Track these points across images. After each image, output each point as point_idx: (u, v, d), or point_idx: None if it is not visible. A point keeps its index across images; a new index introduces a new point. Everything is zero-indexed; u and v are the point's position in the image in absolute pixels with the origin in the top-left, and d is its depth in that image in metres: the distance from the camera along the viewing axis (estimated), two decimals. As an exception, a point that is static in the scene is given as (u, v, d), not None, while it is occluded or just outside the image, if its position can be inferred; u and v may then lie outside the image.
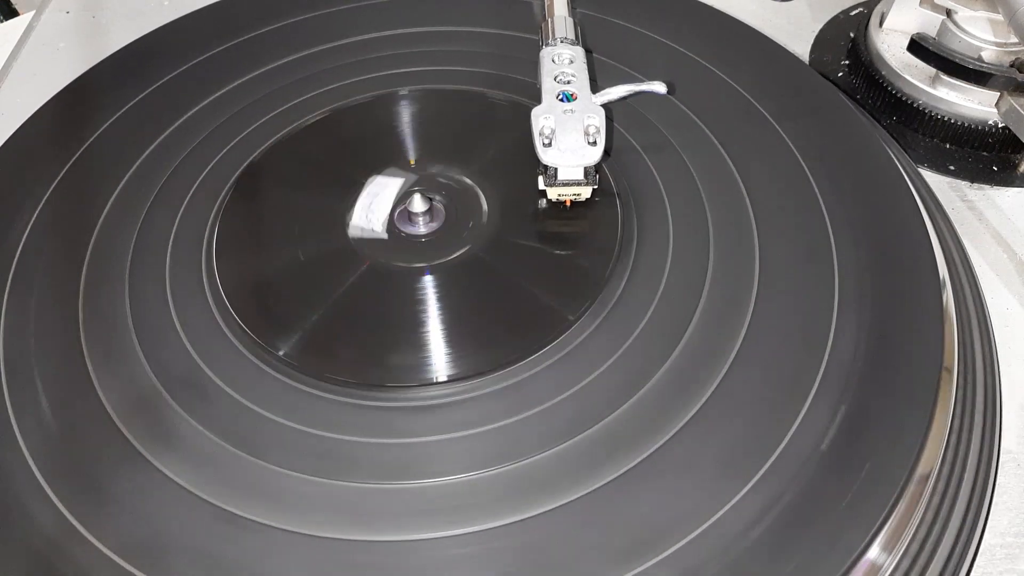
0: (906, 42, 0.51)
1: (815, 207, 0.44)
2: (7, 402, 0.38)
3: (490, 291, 0.42)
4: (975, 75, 0.48)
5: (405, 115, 0.51)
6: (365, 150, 0.49)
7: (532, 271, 0.43)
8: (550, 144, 0.42)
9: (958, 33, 0.50)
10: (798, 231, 0.43)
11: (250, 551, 0.34)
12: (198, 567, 0.33)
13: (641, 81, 0.46)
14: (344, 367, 0.39)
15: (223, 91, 0.52)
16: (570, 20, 0.49)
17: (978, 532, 0.37)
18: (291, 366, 0.39)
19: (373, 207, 0.44)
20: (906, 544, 0.34)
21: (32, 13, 0.65)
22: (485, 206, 0.45)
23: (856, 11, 0.61)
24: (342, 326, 0.41)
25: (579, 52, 0.47)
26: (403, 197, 0.46)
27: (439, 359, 0.39)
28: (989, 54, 0.49)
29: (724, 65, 0.52)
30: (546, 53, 0.47)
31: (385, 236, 0.44)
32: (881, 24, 0.55)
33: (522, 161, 0.45)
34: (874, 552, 0.33)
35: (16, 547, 0.34)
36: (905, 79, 0.52)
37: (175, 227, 0.45)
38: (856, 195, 0.45)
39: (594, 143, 0.42)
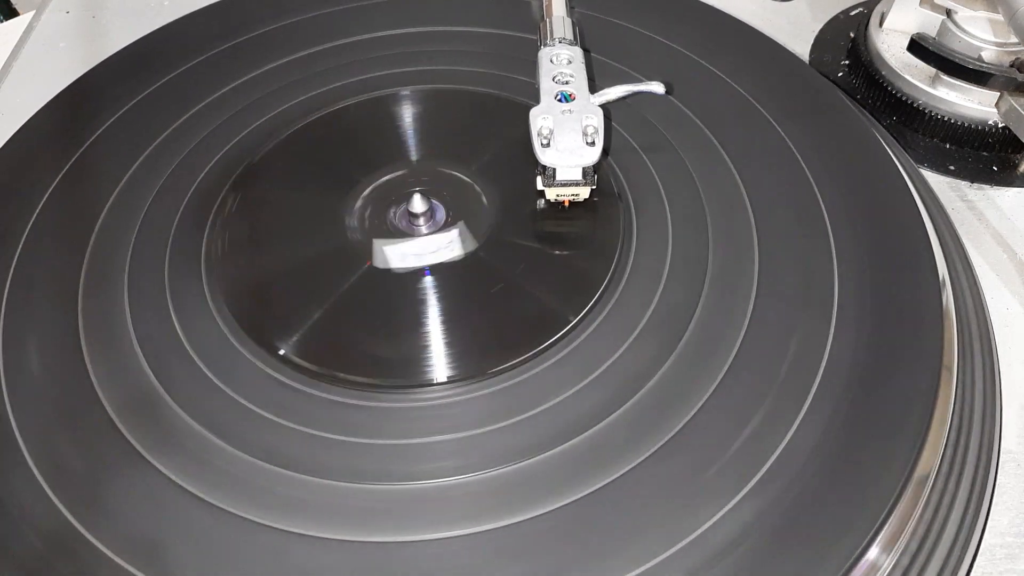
0: (906, 42, 0.51)
1: (815, 207, 0.44)
2: (7, 401, 0.38)
3: (490, 291, 0.42)
4: (975, 75, 0.48)
5: (405, 115, 0.51)
6: (365, 150, 0.49)
7: (532, 271, 0.43)
8: (548, 144, 0.42)
9: (958, 33, 0.50)
10: (798, 231, 0.43)
11: (250, 551, 0.34)
12: (198, 567, 0.33)
13: (640, 81, 0.46)
14: (344, 367, 0.39)
15: (223, 91, 0.52)
16: (568, 20, 0.49)
17: (978, 532, 0.37)
18: (290, 366, 0.39)
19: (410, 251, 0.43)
20: (906, 544, 0.34)
21: (32, 13, 0.65)
22: (485, 206, 0.45)
23: (856, 11, 0.61)
24: (342, 326, 0.41)
25: (577, 52, 0.47)
26: (404, 199, 0.46)
27: (439, 359, 0.39)
28: (989, 54, 0.49)
29: (724, 65, 0.52)
30: (544, 53, 0.47)
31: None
32: (881, 24, 0.55)
33: (522, 161, 0.45)
34: (874, 552, 0.33)
35: (16, 547, 0.34)
36: (905, 79, 0.52)
37: (175, 227, 0.45)
38: (856, 195, 0.44)
39: (592, 143, 0.42)
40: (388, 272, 0.43)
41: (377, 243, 0.43)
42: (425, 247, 0.43)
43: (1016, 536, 0.37)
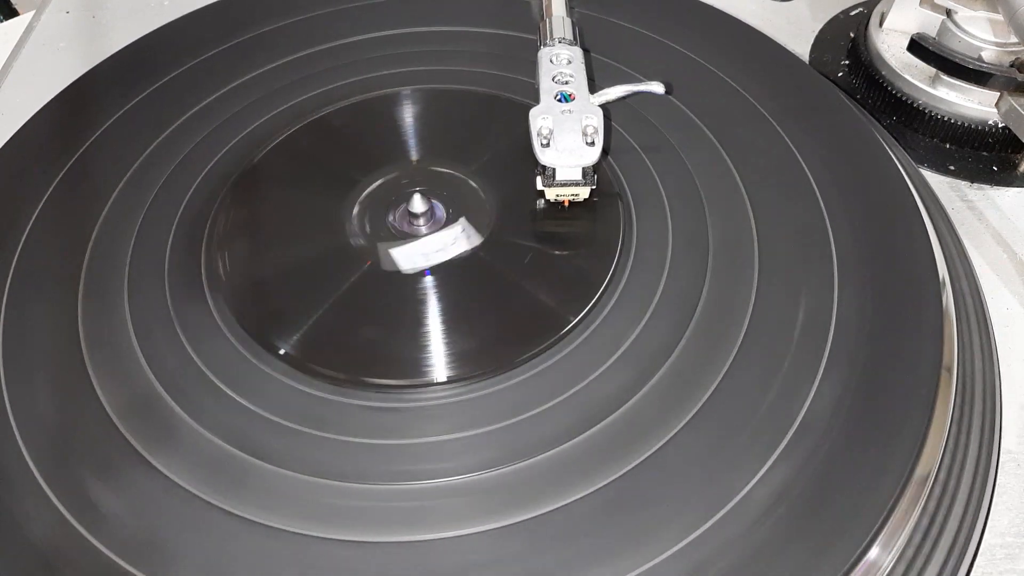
0: (906, 42, 0.51)
1: (815, 207, 0.44)
2: (7, 402, 0.38)
3: (490, 291, 0.42)
4: (975, 75, 0.48)
5: (405, 115, 0.51)
6: (365, 150, 0.49)
7: (532, 271, 0.43)
8: (548, 144, 0.42)
9: (958, 33, 0.50)
10: (798, 231, 0.43)
11: (249, 551, 0.34)
12: (197, 567, 0.33)
13: (640, 81, 0.46)
14: (344, 367, 0.39)
15: (223, 91, 0.52)
16: (568, 20, 0.49)
17: (978, 532, 0.37)
18: (291, 366, 0.39)
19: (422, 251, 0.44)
20: (906, 544, 0.34)
21: (32, 13, 0.65)
22: (485, 206, 0.45)
23: (856, 11, 0.61)
24: (342, 326, 0.41)
25: (577, 52, 0.47)
26: (404, 199, 0.46)
27: (439, 359, 0.39)
28: (989, 54, 0.49)
29: (724, 65, 0.52)
30: (544, 53, 0.47)
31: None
32: (881, 24, 0.55)
33: (522, 161, 0.45)
34: (874, 552, 0.33)
35: (16, 547, 0.34)
36: (905, 79, 0.52)
37: (174, 227, 0.45)
38: (856, 195, 0.44)
39: (592, 143, 0.42)
40: (388, 272, 0.43)
41: (383, 247, 0.43)
42: (430, 246, 0.43)
43: (1016, 536, 0.37)
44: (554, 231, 0.45)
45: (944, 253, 0.44)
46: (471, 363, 0.39)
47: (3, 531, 0.34)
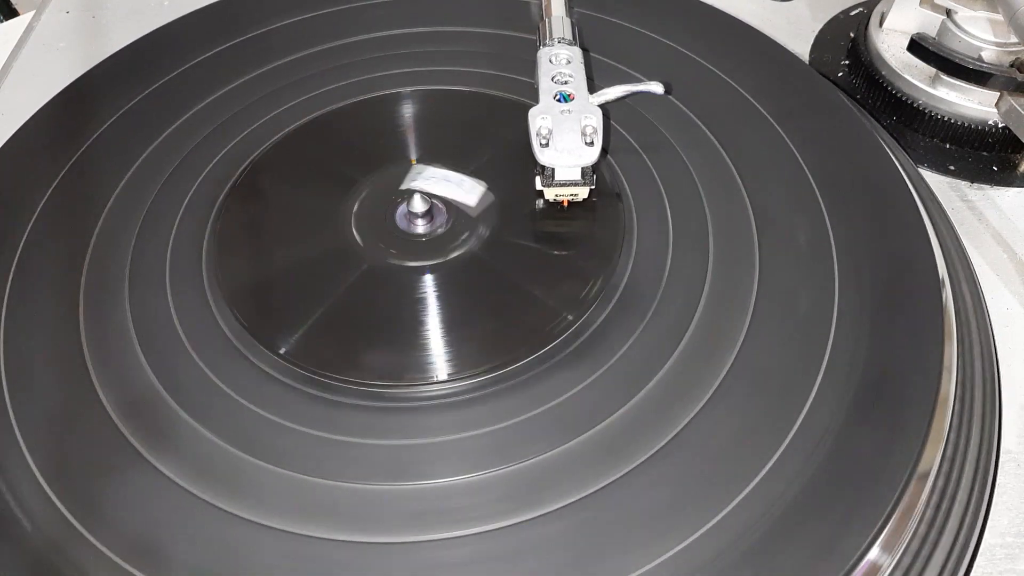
0: (906, 42, 0.51)
1: (815, 207, 0.44)
2: (7, 402, 0.39)
3: (490, 291, 0.42)
4: (975, 75, 0.48)
5: (405, 115, 0.51)
6: (365, 150, 0.49)
7: (532, 271, 0.43)
8: (547, 144, 0.42)
9: (958, 33, 0.50)
10: (798, 231, 0.43)
11: (248, 550, 0.34)
12: (198, 567, 0.33)
13: (639, 81, 0.46)
14: (344, 367, 0.39)
15: (223, 91, 0.52)
16: (567, 20, 0.49)
17: (978, 532, 0.37)
18: (291, 366, 0.39)
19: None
20: (906, 544, 0.34)
21: (32, 13, 0.65)
22: (484, 206, 0.45)
23: (856, 11, 0.61)
24: (342, 326, 0.41)
25: (576, 52, 0.47)
26: (404, 198, 0.46)
27: (439, 359, 0.39)
28: (989, 54, 0.49)
29: (724, 65, 0.52)
30: (543, 53, 0.47)
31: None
32: (881, 24, 0.55)
33: (522, 161, 0.45)
34: (874, 552, 0.33)
35: (16, 547, 0.34)
36: (905, 79, 0.52)
37: (175, 227, 0.45)
38: (856, 195, 0.45)
39: (591, 143, 0.42)
40: (388, 272, 0.43)
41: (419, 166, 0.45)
42: (453, 177, 0.44)
43: (1016, 536, 0.37)
44: (553, 231, 0.45)
45: (944, 253, 0.44)
46: (470, 363, 0.39)
47: (3, 531, 0.35)
